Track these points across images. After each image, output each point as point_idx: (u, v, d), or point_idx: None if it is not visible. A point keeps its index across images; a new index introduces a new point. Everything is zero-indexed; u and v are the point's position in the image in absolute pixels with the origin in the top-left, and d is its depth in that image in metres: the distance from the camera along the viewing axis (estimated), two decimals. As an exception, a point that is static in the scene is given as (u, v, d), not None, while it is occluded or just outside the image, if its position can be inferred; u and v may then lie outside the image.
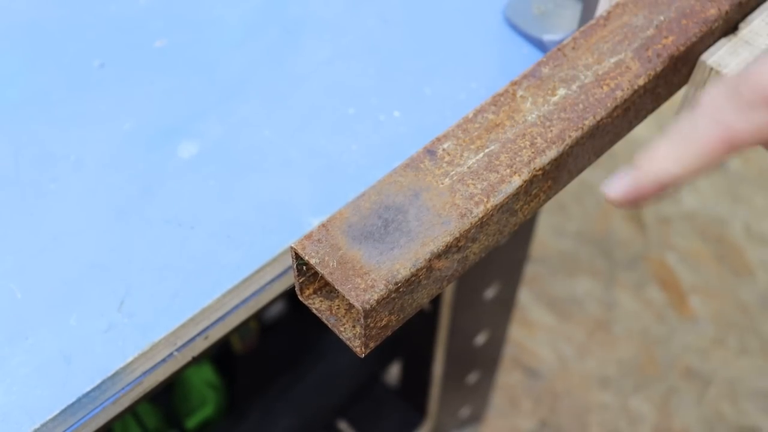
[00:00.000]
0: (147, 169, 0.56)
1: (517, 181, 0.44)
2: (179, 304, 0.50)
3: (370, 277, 0.40)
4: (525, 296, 1.62)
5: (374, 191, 0.44)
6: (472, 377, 1.21)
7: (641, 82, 0.48)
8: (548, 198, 0.49)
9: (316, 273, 0.42)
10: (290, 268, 0.52)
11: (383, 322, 0.42)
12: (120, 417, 0.49)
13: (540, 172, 0.45)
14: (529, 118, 0.46)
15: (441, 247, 0.41)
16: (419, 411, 1.22)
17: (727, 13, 0.48)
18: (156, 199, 0.55)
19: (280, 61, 0.62)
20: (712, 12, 0.48)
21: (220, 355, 1.08)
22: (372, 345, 0.43)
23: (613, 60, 0.49)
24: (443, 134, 0.46)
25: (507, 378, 1.54)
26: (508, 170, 0.44)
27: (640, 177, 0.36)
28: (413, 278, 0.41)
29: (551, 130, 0.46)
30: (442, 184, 0.44)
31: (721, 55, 0.49)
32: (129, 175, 0.56)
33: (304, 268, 0.43)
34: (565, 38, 0.53)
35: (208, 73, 0.61)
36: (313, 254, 0.41)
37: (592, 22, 0.50)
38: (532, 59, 0.60)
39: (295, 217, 0.54)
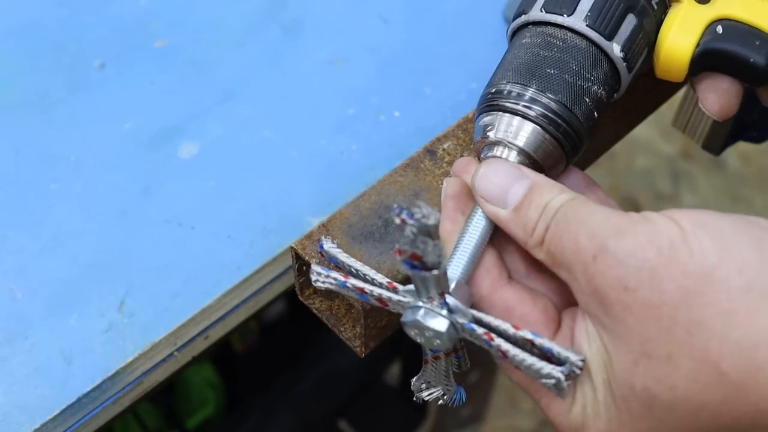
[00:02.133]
0: (147, 169, 0.56)
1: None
2: (179, 304, 0.50)
3: (370, 277, 0.40)
4: (525, 296, 1.61)
5: (374, 191, 0.44)
6: (472, 377, 1.21)
7: (641, 82, 0.48)
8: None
9: (316, 273, 0.42)
10: (290, 268, 0.52)
11: (383, 322, 0.42)
12: (120, 417, 0.49)
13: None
14: (529, 118, 0.46)
15: (441, 247, 0.41)
16: (419, 411, 1.22)
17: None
18: (156, 199, 0.55)
19: (280, 61, 0.62)
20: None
21: (220, 355, 1.08)
22: (372, 345, 0.43)
23: (613, 60, 0.49)
24: (443, 134, 0.46)
25: (507, 378, 1.54)
26: (508, 170, 0.44)
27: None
28: (413, 278, 0.41)
29: (551, 130, 0.46)
30: (443, 184, 0.44)
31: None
32: (129, 175, 0.56)
33: (304, 268, 0.43)
34: (565, 38, 0.53)
35: (208, 73, 0.61)
36: (313, 254, 0.41)
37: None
38: (532, 59, 0.60)
39: (295, 217, 0.54)
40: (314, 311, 0.44)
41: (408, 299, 0.35)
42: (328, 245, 0.38)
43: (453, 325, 0.34)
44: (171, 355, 0.50)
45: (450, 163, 0.44)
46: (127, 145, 0.57)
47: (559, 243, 0.34)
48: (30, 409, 0.47)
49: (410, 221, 0.29)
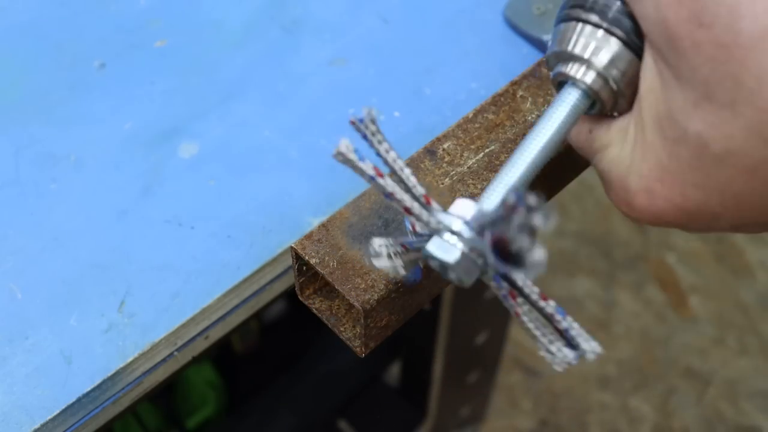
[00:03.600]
0: (147, 169, 0.56)
1: (517, 181, 0.44)
2: (179, 304, 0.50)
3: (370, 277, 0.40)
4: (525, 296, 1.61)
5: (374, 191, 0.44)
6: (472, 377, 1.21)
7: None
8: (548, 198, 0.49)
9: (316, 273, 0.42)
10: (290, 268, 0.52)
11: (383, 322, 0.42)
12: (120, 417, 0.49)
13: (540, 172, 0.45)
14: (529, 118, 0.46)
15: (441, 247, 0.41)
16: (419, 411, 1.22)
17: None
18: (156, 199, 0.55)
19: (280, 61, 0.62)
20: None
21: (220, 355, 1.08)
22: (372, 345, 0.43)
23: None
24: (443, 134, 0.46)
25: (507, 378, 1.54)
26: (508, 170, 0.44)
27: None
28: (413, 278, 0.41)
29: (551, 130, 0.45)
30: (443, 184, 0.44)
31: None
32: (129, 175, 0.56)
33: (304, 268, 0.43)
34: (565, 38, 0.53)
35: (208, 73, 0.61)
36: (313, 254, 0.41)
37: (592, 22, 0.50)
38: (532, 59, 0.60)
39: (295, 217, 0.54)
40: (314, 311, 0.44)
41: (430, 226, 0.31)
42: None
43: (464, 253, 0.30)
44: (171, 355, 0.50)
45: (450, 163, 0.44)
46: (127, 145, 0.57)
47: None
48: (30, 409, 0.47)
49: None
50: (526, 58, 0.61)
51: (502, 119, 0.46)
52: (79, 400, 0.47)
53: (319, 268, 0.41)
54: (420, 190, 0.32)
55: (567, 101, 0.34)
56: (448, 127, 0.46)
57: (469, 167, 0.44)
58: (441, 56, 0.62)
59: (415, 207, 0.32)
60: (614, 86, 0.34)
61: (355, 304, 0.39)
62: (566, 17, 0.34)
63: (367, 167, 0.32)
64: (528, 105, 0.47)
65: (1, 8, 0.65)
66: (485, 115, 0.46)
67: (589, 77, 0.34)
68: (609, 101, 0.34)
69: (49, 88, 0.60)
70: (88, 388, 0.48)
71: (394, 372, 1.28)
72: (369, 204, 0.43)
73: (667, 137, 0.31)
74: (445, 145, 0.45)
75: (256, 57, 0.62)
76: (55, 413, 0.47)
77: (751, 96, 0.29)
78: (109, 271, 0.52)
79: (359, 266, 0.40)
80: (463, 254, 0.30)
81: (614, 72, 0.33)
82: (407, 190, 0.32)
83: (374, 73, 0.61)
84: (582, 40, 0.33)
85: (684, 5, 0.29)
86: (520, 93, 0.47)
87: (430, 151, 0.45)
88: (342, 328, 0.43)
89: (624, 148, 0.34)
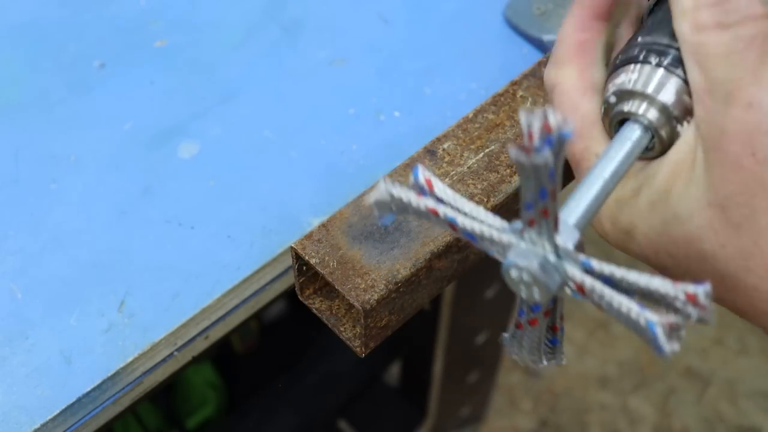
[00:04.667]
0: (147, 169, 0.56)
1: (517, 181, 0.44)
2: (179, 304, 0.50)
3: (370, 277, 0.40)
4: (525, 296, 1.61)
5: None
6: (472, 377, 1.21)
7: None
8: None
9: (316, 273, 0.42)
10: (290, 268, 0.52)
11: (383, 322, 0.42)
12: (120, 417, 0.49)
13: None
14: (529, 118, 0.46)
15: (441, 247, 0.41)
16: (419, 411, 1.22)
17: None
18: (156, 199, 0.55)
19: (280, 61, 0.62)
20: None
21: (220, 355, 1.08)
22: (372, 345, 0.43)
23: (613, 60, 0.49)
24: (443, 134, 0.46)
25: (507, 378, 1.54)
26: (508, 170, 0.44)
27: None
28: (413, 278, 0.41)
29: (551, 130, 0.46)
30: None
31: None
32: (129, 175, 0.56)
33: (304, 268, 0.43)
34: (565, 38, 0.53)
35: (208, 73, 0.61)
36: (313, 254, 0.41)
37: (592, 22, 0.50)
38: (532, 59, 0.60)
39: (295, 217, 0.54)
40: (314, 311, 0.44)
41: (510, 239, 0.30)
42: (424, 173, 0.33)
43: (558, 269, 0.30)
44: (171, 355, 0.50)
45: (450, 163, 0.44)
46: (127, 145, 0.57)
47: None
48: (30, 409, 0.47)
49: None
50: (526, 58, 0.61)
51: (502, 119, 0.46)
52: (79, 400, 0.47)
53: (319, 268, 0.41)
54: (487, 215, 0.31)
55: (629, 137, 0.34)
56: (448, 127, 0.46)
57: (469, 167, 0.44)
58: (441, 56, 0.62)
59: (482, 230, 0.31)
60: (676, 125, 0.34)
61: (355, 304, 0.39)
62: (626, 60, 0.35)
63: (424, 201, 0.31)
64: (528, 105, 0.47)
65: (1, 8, 0.65)
66: (485, 115, 0.47)
67: (652, 114, 0.34)
68: (667, 141, 0.34)
69: (49, 88, 0.60)
70: (88, 388, 0.48)
71: (394, 372, 1.29)
72: (369, 204, 0.43)
73: (666, 212, 0.32)
74: (445, 145, 0.45)
75: (256, 57, 0.62)
76: (55, 413, 0.47)
77: (759, 231, 0.30)
78: (109, 271, 0.52)
79: (359, 266, 0.40)
80: (556, 267, 0.30)
81: (677, 111, 0.33)
82: (472, 217, 0.31)
83: (374, 73, 0.61)
84: (643, 78, 0.34)
85: (745, 130, 0.30)
86: (520, 93, 0.47)
87: (430, 151, 0.45)
88: (342, 328, 0.43)
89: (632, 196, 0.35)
